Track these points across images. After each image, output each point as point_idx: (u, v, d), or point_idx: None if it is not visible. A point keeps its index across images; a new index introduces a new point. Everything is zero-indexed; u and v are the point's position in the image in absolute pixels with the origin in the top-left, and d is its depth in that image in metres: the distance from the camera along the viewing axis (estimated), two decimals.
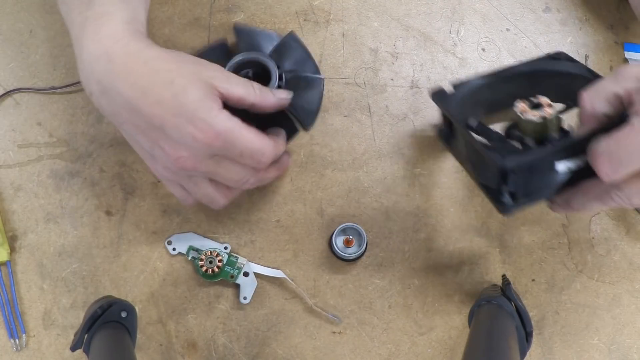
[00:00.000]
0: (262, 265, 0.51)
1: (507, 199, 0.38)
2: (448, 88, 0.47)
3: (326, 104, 0.54)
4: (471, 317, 0.48)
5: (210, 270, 0.50)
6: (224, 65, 0.49)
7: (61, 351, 0.50)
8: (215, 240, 0.52)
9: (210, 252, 0.50)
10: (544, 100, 0.41)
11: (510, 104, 0.42)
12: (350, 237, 0.51)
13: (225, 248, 0.51)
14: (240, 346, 0.51)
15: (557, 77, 0.47)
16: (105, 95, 0.39)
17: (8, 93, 0.53)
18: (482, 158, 0.40)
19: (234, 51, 0.52)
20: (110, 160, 0.53)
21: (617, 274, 0.53)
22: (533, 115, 0.40)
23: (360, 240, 0.51)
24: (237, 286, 0.51)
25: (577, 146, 0.37)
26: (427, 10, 0.57)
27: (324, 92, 0.54)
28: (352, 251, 0.51)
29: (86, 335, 0.44)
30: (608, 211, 0.54)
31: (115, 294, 0.51)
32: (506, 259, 0.52)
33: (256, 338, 0.51)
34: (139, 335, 0.50)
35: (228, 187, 0.44)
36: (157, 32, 0.55)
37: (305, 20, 0.56)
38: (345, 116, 0.54)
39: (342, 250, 0.50)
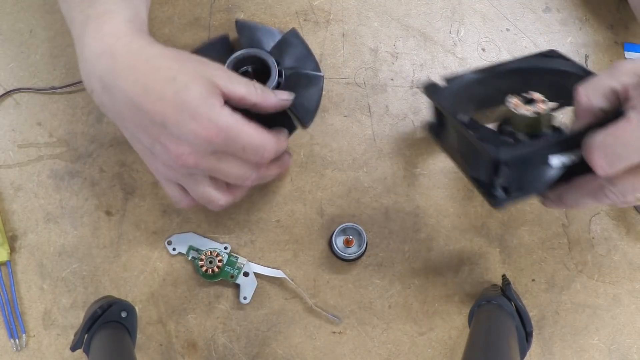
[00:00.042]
0: (262, 265, 0.51)
1: (499, 192, 0.38)
2: (440, 81, 0.47)
3: (326, 104, 0.54)
4: (471, 317, 0.48)
5: (210, 270, 0.50)
6: (225, 60, 0.49)
7: (61, 351, 0.50)
8: (215, 240, 0.52)
9: (210, 252, 0.50)
10: (537, 95, 0.41)
11: (500, 101, 0.42)
12: (350, 237, 0.51)
13: (225, 248, 0.51)
14: (240, 346, 0.51)
15: (550, 74, 0.47)
16: (107, 93, 0.39)
17: (8, 93, 0.53)
18: (474, 151, 0.40)
19: (236, 47, 0.52)
20: (110, 160, 0.53)
21: (617, 274, 0.53)
22: (526, 110, 0.40)
23: (360, 240, 0.51)
24: (237, 286, 0.51)
25: (572, 141, 0.37)
26: (427, 10, 0.57)
27: (324, 92, 0.54)
28: (352, 251, 0.51)
29: (86, 335, 0.44)
30: (608, 211, 0.54)
31: (115, 294, 0.51)
32: (506, 259, 0.52)
33: (256, 338, 0.51)
34: (139, 335, 0.50)
35: (228, 187, 0.44)
36: (157, 32, 0.55)
37: (305, 20, 0.56)
38: (345, 116, 0.54)
39: (342, 250, 0.50)
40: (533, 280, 0.52)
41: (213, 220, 0.52)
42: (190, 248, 0.51)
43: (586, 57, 0.56)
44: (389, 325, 0.51)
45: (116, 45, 0.39)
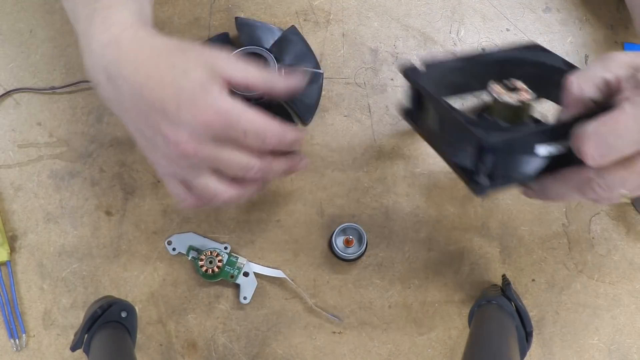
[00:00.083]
0: (262, 265, 0.51)
1: (483, 178, 0.37)
2: (420, 65, 0.45)
3: (326, 104, 0.54)
4: (471, 317, 0.48)
5: (210, 270, 0.50)
6: None
7: (61, 351, 0.50)
8: (215, 240, 0.52)
9: (210, 252, 0.50)
10: (520, 84, 0.40)
11: (476, 89, 0.41)
12: (350, 237, 0.51)
13: (225, 248, 0.51)
14: (240, 346, 0.51)
15: (532, 66, 0.46)
16: (111, 83, 0.39)
17: (8, 93, 0.53)
18: (458, 135, 0.39)
19: (236, 44, 0.53)
20: (110, 160, 0.53)
21: (617, 274, 0.53)
22: (510, 98, 0.39)
23: (360, 240, 0.51)
24: (237, 286, 0.51)
25: (559, 130, 0.36)
26: (427, 10, 0.57)
27: (324, 92, 0.54)
28: (352, 251, 0.51)
29: (86, 335, 0.44)
30: (608, 211, 0.54)
31: (115, 294, 0.51)
32: (506, 259, 0.52)
33: (256, 338, 0.51)
34: (139, 335, 0.50)
35: (232, 181, 0.42)
36: None
37: (305, 20, 0.56)
38: (345, 116, 0.54)
39: (342, 250, 0.50)
40: (533, 280, 0.52)
41: (213, 220, 0.52)
42: (190, 248, 0.51)
43: (586, 57, 0.56)
44: (389, 325, 0.51)
45: (122, 35, 0.39)
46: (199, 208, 0.45)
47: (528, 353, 0.45)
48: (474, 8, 0.57)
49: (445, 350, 0.51)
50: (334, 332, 0.51)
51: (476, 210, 0.53)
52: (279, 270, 0.51)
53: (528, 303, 0.51)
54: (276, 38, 0.53)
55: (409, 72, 0.44)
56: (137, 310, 0.49)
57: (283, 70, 0.49)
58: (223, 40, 0.53)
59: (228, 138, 0.39)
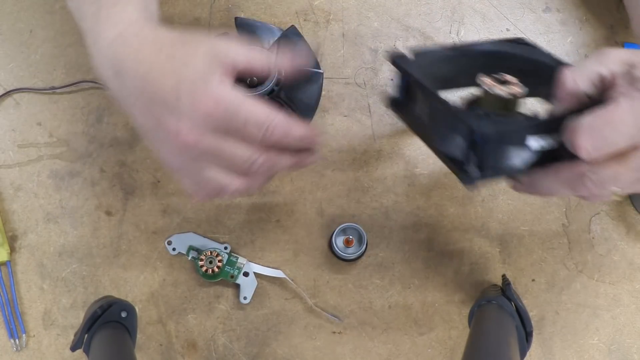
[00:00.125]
0: (262, 265, 0.51)
1: (473, 169, 0.36)
2: (409, 54, 0.44)
3: (326, 104, 0.54)
4: (471, 317, 0.48)
5: (210, 270, 0.50)
6: None
7: (61, 351, 0.50)
8: (215, 240, 0.52)
9: (210, 252, 0.50)
10: (510, 78, 0.40)
11: (465, 84, 0.41)
12: (350, 237, 0.51)
13: (225, 248, 0.51)
14: (240, 346, 0.51)
15: (520, 62, 0.45)
16: (117, 78, 0.39)
17: (8, 93, 0.53)
18: (449, 125, 0.38)
19: None
20: (110, 160, 0.53)
21: (617, 274, 0.53)
22: (501, 90, 0.39)
23: (360, 240, 0.51)
24: (237, 286, 0.51)
25: (552, 124, 0.36)
26: (427, 10, 0.57)
27: (324, 92, 0.54)
28: (352, 251, 0.51)
29: (86, 335, 0.44)
30: (608, 211, 0.54)
31: (115, 294, 0.51)
32: (506, 259, 0.52)
33: (256, 338, 0.51)
34: (139, 335, 0.50)
35: (238, 173, 0.41)
36: None
37: (305, 20, 0.56)
38: (345, 116, 0.54)
39: (342, 250, 0.50)
40: (533, 280, 0.52)
41: (213, 220, 0.52)
42: (190, 248, 0.51)
43: (586, 57, 0.56)
44: (389, 325, 0.51)
45: (127, 31, 0.39)
46: (211, 200, 0.44)
47: (528, 353, 0.45)
48: (474, 8, 0.57)
49: (445, 350, 0.51)
50: (334, 332, 0.51)
51: (476, 210, 0.53)
52: (279, 270, 0.51)
53: (528, 303, 0.51)
54: (276, 38, 0.53)
55: (398, 60, 0.43)
56: (137, 310, 0.49)
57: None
58: None
59: (229, 129, 0.38)
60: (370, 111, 0.54)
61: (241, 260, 0.51)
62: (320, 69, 0.52)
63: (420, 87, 0.41)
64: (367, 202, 0.53)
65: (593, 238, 0.53)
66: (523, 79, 0.41)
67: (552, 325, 0.52)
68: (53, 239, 0.51)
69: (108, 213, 0.52)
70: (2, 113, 0.53)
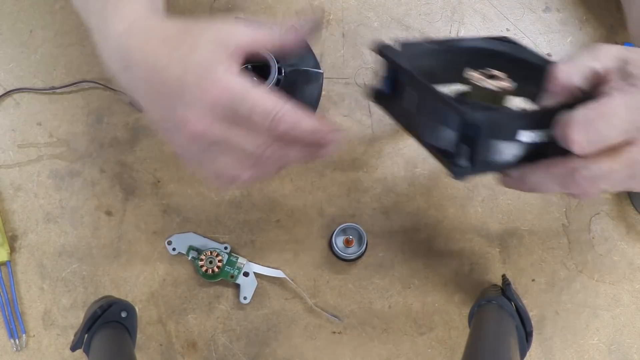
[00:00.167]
0: (262, 265, 0.51)
1: (463, 161, 0.35)
2: (395, 45, 0.43)
3: (326, 104, 0.54)
4: (471, 317, 0.47)
5: (210, 270, 0.50)
6: None
7: (61, 351, 0.50)
8: (215, 240, 0.52)
9: (210, 252, 0.50)
10: (498, 72, 0.39)
11: (449, 80, 0.41)
12: (350, 237, 0.51)
13: (225, 248, 0.51)
14: (240, 346, 0.51)
15: (506, 60, 0.45)
16: (126, 71, 0.40)
17: (8, 93, 0.53)
18: (439, 116, 0.37)
19: None
20: (110, 160, 0.53)
21: (617, 274, 0.53)
22: (489, 84, 0.38)
23: (360, 240, 0.51)
24: (237, 286, 0.51)
25: (543, 117, 0.35)
26: (427, 10, 0.57)
27: (324, 92, 0.54)
28: (352, 251, 0.51)
29: (86, 335, 0.44)
30: (608, 211, 0.54)
31: (115, 294, 0.51)
32: (506, 259, 0.52)
33: (256, 338, 0.51)
34: (139, 335, 0.50)
35: (248, 162, 0.40)
36: None
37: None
38: (345, 116, 0.54)
39: (342, 250, 0.50)
40: (533, 280, 0.52)
41: (213, 220, 0.52)
42: (190, 248, 0.51)
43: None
44: (389, 325, 0.51)
45: (134, 24, 0.40)
46: (229, 188, 0.43)
47: (528, 353, 0.45)
48: (474, 8, 0.57)
49: (445, 350, 0.51)
50: (334, 332, 0.51)
51: (476, 210, 0.53)
52: (279, 270, 0.51)
53: (528, 303, 0.51)
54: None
55: (385, 50, 0.42)
56: (137, 310, 0.49)
57: (284, 69, 0.49)
58: None
59: (237, 118, 0.37)
60: (370, 111, 0.54)
61: (241, 260, 0.51)
62: (320, 69, 0.52)
63: (409, 77, 0.40)
64: (367, 202, 0.53)
65: (593, 238, 0.53)
66: (509, 76, 0.41)
67: (552, 325, 0.52)
68: (53, 239, 0.52)
69: (108, 213, 0.52)
70: (2, 113, 0.53)
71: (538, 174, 0.36)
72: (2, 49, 0.54)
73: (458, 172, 0.36)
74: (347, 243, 0.51)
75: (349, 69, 0.55)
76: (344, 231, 0.51)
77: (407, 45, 0.43)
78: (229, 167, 0.39)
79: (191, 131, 0.38)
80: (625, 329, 0.52)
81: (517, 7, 0.57)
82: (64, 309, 0.50)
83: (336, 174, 0.53)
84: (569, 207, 0.53)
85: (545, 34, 0.57)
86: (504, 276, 0.50)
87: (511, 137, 0.35)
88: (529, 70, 0.42)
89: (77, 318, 0.50)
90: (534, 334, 0.45)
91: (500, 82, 0.39)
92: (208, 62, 0.37)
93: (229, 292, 0.51)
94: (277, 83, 0.49)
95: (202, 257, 0.50)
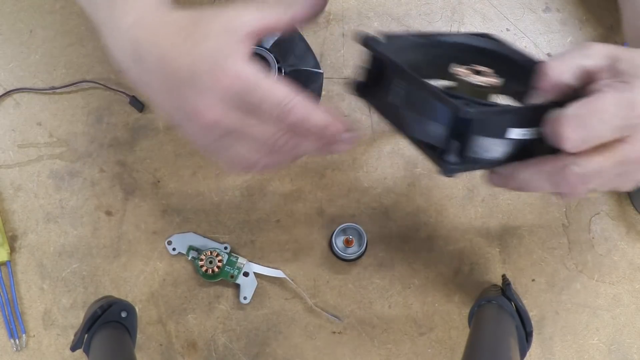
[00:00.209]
0: (262, 265, 0.51)
1: (453, 157, 0.35)
2: (380, 37, 0.42)
3: (326, 104, 0.54)
4: (471, 317, 0.47)
5: (210, 270, 0.50)
6: None
7: (61, 351, 0.50)
8: (215, 240, 0.52)
9: (210, 252, 0.50)
10: (484, 68, 0.39)
11: (434, 76, 0.40)
12: (350, 237, 0.51)
13: (225, 248, 0.51)
14: (240, 346, 0.51)
15: (493, 57, 0.44)
16: (137, 64, 0.39)
17: (8, 93, 0.53)
18: (427, 110, 0.37)
19: None
20: (110, 160, 0.53)
21: (617, 274, 0.53)
22: (476, 80, 0.38)
23: (360, 240, 0.51)
24: (237, 286, 0.51)
25: (532, 114, 0.35)
26: (427, 10, 0.57)
27: (324, 92, 0.54)
28: (352, 251, 0.51)
29: (86, 335, 0.44)
30: (608, 211, 0.54)
31: (115, 294, 0.51)
32: (506, 259, 0.52)
33: (256, 338, 0.51)
34: (139, 335, 0.50)
35: (263, 150, 0.40)
36: None
37: None
38: (345, 116, 0.54)
39: (342, 250, 0.50)
40: (533, 280, 0.52)
41: (213, 220, 0.52)
42: (190, 248, 0.51)
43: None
44: (389, 325, 0.51)
45: (142, 17, 0.39)
46: (247, 174, 0.42)
47: (528, 353, 0.45)
48: (474, 8, 0.57)
49: (445, 350, 0.51)
50: (334, 332, 0.51)
51: (476, 210, 0.53)
52: (279, 270, 0.51)
53: (528, 303, 0.51)
54: (276, 38, 0.53)
55: (371, 42, 0.41)
56: (137, 310, 0.49)
57: (284, 69, 0.49)
58: None
59: (249, 107, 0.37)
60: (370, 111, 0.54)
61: (241, 260, 0.51)
62: (320, 69, 0.52)
63: (397, 70, 0.39)
64: (367, 202, 0.53)
65: (593, 238, 0.53)
66: (495, 72, 0.40)
67: (552, 325, 0.52)
68: (53, 239, 0.52)
69: (108, 213, 0.52)
70: (2, 113, 0.53)
71: (528, 171, 0.36)
72: (2, 49, 0.54)
73: (447, 168, 0.35)
74: (347, 243, 0.51)
75: (349, 69, 0.55)
76: (344, 231, 0.51)
77: (391, 38, 0.42)
78: (243, 155, 0.39)
79: (204, 121, 0.37)
80: (625, 329, 0.52)
81: (517, 7, 0.57)
82: (64, 309, 0.50)
83: (336, 174, 0.53)
84: (569, 207, 0.53)
85: (545, 34, 0.57)
86: (504, 276, 0.50)
87: (501, 133, 0.35)
88: (513, 67, 0.41)
89: (77, 318, 0.50)
90: (534, 334, 0.45)
91: (487, 78, 0.38)
92: (218, 51, 0.37)
93: (229, 292, 0.51)
94: (277, 60, 0.49)
95: (202, 257, 0.50)
